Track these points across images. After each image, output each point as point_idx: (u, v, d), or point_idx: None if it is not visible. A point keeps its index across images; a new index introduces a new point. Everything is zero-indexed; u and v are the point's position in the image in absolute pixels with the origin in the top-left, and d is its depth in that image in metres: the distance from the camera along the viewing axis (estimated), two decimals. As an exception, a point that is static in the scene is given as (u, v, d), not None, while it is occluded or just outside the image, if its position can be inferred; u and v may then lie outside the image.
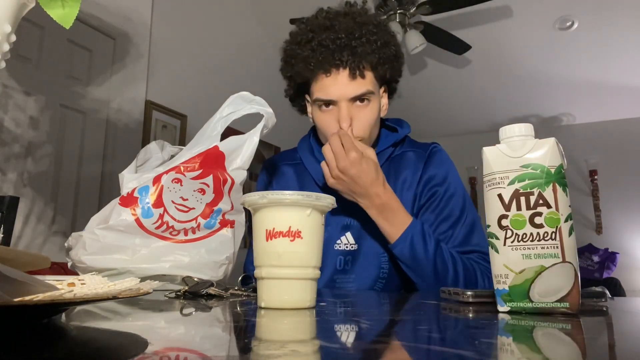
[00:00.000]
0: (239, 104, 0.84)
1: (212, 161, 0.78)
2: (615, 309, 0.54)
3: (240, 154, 0.80)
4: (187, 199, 0.76)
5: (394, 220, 0.86)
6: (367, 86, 0.91)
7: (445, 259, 0.86)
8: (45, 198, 2.01)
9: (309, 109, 1.00)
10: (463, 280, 0.86)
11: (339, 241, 0.95)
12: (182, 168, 0.77)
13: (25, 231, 1.89)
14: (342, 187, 0.87)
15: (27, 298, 0.30)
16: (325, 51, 0.89)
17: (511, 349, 0.31)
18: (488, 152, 0.51)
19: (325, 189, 0.95)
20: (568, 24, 3.36)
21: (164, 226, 0.75)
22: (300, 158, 1.07)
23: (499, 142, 0.51)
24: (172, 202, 0.76)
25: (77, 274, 0.70)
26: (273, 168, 1.10)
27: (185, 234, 0.77)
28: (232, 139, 0.80)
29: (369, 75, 0.92)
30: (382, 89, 0.98)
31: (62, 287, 0.37)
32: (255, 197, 0.51)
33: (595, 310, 0.51)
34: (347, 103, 0.91)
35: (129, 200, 0.75)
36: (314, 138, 1.07)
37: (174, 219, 0.75)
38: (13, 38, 0.50)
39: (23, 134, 1.93)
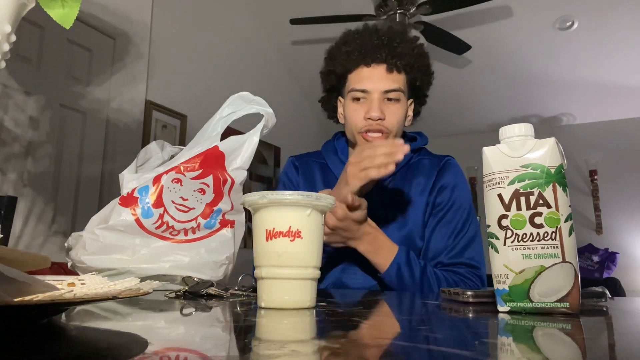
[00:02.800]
0: (239, 104, 0.84)
1: (212, 161, 0.78)
2: (615, 309, 0.54)
3: (240, 154, 0.80)
4: (187, 199, 0.76)
5: (382, 252, 0.90)
6: (399, 83, 1.00)
7: (431, 282, 0.91)
8: (45, 198, 2.01)
9: (340, 109, 1.09)
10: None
11: None
12: (182, 168, 0.77)
13: (25, 231, 1.89)
14: (335, 239, 0.88)
15: (27, 298, 0.30)
16: (367, 46, 1.00)
17: (511, 349, 0.31)
18: (488, 152, 0.51)
19: None
20: (568, 24, 3.36)
21: (164, 226, 0.75)
22: (325, 158, 1.13)
23: (499, 142, 0.51)
24: (172, 202, 0.76)
25: (77, 274, 0.70)
26: (300, 162, 1.15)
27: (185, 234, 0.76)
28: (232, 139, 0.80)
29: (403, 75, 1.01)
30: (409, 100, 1.06)
31: (62, 287, 0.37)
32: (255, 197, 0.51)
33: (595, 310, 0.51)
34: (379, 95, 0.99)
35: (129, 200, 0.75)
36: (338, 141, 1.14)
37: (174, 219, 0.75)
38: (13, 38, 0.50)
39: (23, 134, 1.92)
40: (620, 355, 0.29)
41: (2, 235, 0.89)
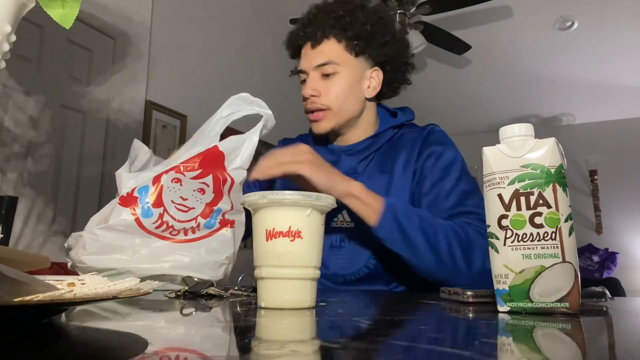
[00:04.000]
0: (239, 105, 0.84)
1: (212, 161, 0.78)
2: (615, 309, 0.54)
3: (240, 153, 0.80)
4: (186, 199, 0.76)
5: (372, 203, 0.82)
6: (330, 55, 0.96)
7: (437, 229, 0.82)
8: (45, 198, 2.01)
9: None
10: (457, 241, 0.82)
11: (335, 219, 0.96)
12: (181, 168, 0.77)
13: (25, 231, 1.89)
14: (320, 175, 0.80)
15: (27, 298, 0.30)
16: (299, 26, 1.00)
17: (511, 349, 0.31)
18: (488, 152, 0.51)
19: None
20: (568, 24, 3.36)
21: (164, 226, 0.75)
22: (311, 141, 1.11)
23: (499, 142, 0.51)
24: (172, 201, 0.76)
25: (77, 274, 0.70)
26: (287, 144, 1.14)
27: (185, 233, 0.76)
28: (231, 139, 0.80)
29: (334, 46, 0.97)
30: (371, 70, 1.01)
31: (62, 287, 0.37)
32: (255, 197, 0.51)
33: (595, 310, 0.51)
34: (313, 73, 0.97)
35: (129, 200, 0.75)
36: (310, 133, 1.11)
37: (174, 219, 0.75)
38: (13, 38, 0.50)
39: (23, 134, 1.92)
40: (620, 355, 0.29)
41: (2, 235, 0.89)
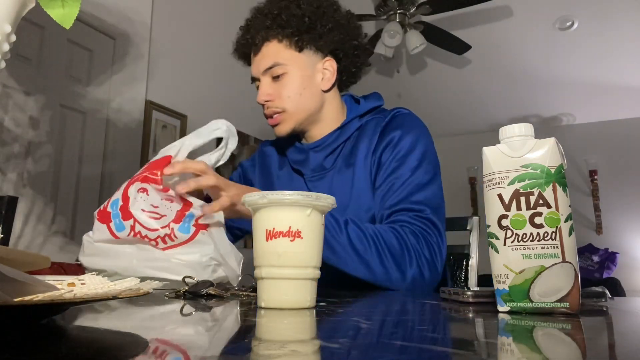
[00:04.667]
0: (203, 134, 0.83)
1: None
2: (615, 309, 0.54)
3: (199, 158, 0.81)
4: (157, 206, 0.75)
5: None
6: (274, 57, 0.95)
7: (365, 238, 0.78)
8: (45, 198, 2.01)
9: None
10: (389, 251, 0.79)
11: None
12: (146, 178, 0.76)
13: (25, 231, 1.89)
14: (226, 183, 0.77)
15: (27, 298, 0.30)
16: (241, 34, 1.01)
17: (511, 349, 0.31)
18: (488, 152, 0.51)
19: (298, 169, 1.02)
20: (568, 24, 3.36)
21: (138, 236, 0.74)
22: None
23: (499, 142, 0.51)
24: (143, 210, 0.74)
25: (77, 274, 0.70)
26: (262, 151, 1.15)
27: (164, 241, 0.75)
28: (185, 154, 0.81)
29: (276, 47, 0.95)
30: (323, 61, 0.99)
31: (62, 287, 0.37)
32: (255, 197, 0.51)
33: (595, 310, 0.51)
34: (264, 78, 0.97)
35: (104, 215, 0.75)
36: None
37: (147, 228, 0.74)
38: (13, 38, 0.50)
39: (23, 134, 1.92)
40: (620, 355, 0.29)
41: (2, 235, 0.89)
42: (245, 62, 1.04)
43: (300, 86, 0.95)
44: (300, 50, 0.96)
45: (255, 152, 1.18)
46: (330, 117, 1.01)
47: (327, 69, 0.99)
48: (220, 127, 0.84)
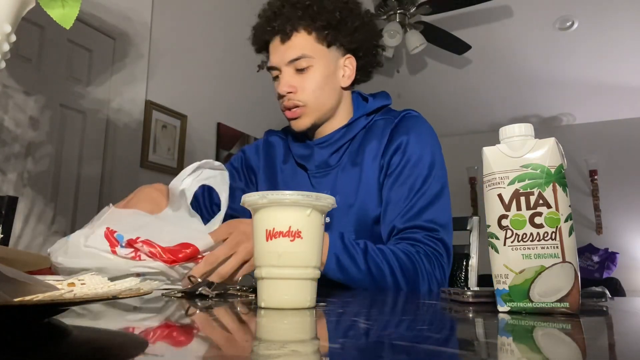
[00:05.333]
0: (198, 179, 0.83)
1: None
2: (615, 309, 0.54)
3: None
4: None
5: None
6: (301, 49, 0.92)
7: (381, 266, 0.79)
8: (45, 198, 2.01)
9: None
10: (402, 274, 0.81)
11: None
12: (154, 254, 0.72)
13: (25, 231, 1.89)
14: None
15: (27, 298, 0.30)
16: (264, 20, 0.96)
17: (511, 349, 0.31)
18: (488, 152, 0.51)
19: (302, 164, 1.01)
20: (568, 24, 3.36)
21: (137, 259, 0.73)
22: (287, 136, 1.10)
23: (499, 142, 0.51)
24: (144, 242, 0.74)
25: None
26: (267, 141, 1.13)
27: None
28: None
29: (305, 39, 0.93)
30: (344, 58, 0.98)
31: (62, 287, 0.37)
32: (255, 197, 0.51)
33: (595, 310, 0.51)
34: (287, 69, 0.94)
35: (110, 238, 0.74)
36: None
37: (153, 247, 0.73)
38: (13, 38, 0.50)
39: (23, 134, 1.92)
40: (620, 355, 0.29)
41: (2, 235, 0.89)
42: (260, 49, 1.01)
43: (323, 81, 0.94)
44: (328, 45, 0.95)
45: (260, 140, 1.15)
46: (342, 114, 1.00)
47: (347, 66, 0.99)
48: (214, 176, 0.84)
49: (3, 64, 0.50)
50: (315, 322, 0.42)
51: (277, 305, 0.50)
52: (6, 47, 0.49)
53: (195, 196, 0.87)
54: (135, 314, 0.46)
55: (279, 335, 0.35)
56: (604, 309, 0.53)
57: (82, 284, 0.40)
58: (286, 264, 0.50)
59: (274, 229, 0.50)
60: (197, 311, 0.49)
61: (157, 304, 0.53)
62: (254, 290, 0.63)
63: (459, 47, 3.27)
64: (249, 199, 0.52)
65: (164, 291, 0.66)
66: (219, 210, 0.86)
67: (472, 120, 4.79)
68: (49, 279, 0.43)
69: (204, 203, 1.10)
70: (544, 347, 0.32)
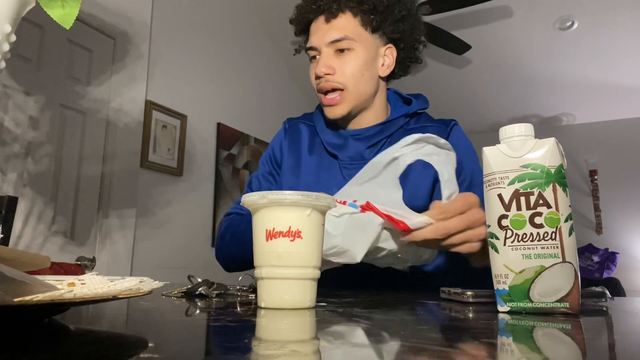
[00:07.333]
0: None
1: None
2: (615, 309, 0.54)
3: None
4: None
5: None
6: (345, 30, 0.90)
7: None
8: (45, 198, 2.01)
9: None
10: None
11: None
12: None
13: (25, 231, 1.89)
14: (483, 253, 0.65)
15: (27, 298, 0.30)
16: (310, 0, 0.93)
17: (511, 349, 0.31)
18: (488, 152, 0.51)
19: (334, 152, 0.96)
20: (568, 24, 3.36)
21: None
22: (315, 121, 1.05)
23: (499, 142, 0.51)
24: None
25: (77, 274, 0.70)
26: (291, 125, 1.08)
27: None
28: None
29: (349, 21, 0.91)
30: (385, 47, 0.96)
31: (62, 287, 0.37)
32: (255, 197, 0.51)
33: (595, 310, 0.51)
34: (327, 50, 0.91)
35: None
36: (319, 113, 1.05)
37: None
38: (13, 38, 0.50)
39: (23, 134, 1.92)
40: (620, 355, 0.29)
41: (2, 235, 0.89)
42: (300, 30, 0.99)
43: (363, 67, 0.92)
44: (372, 31, 0.93)
45: (281, 128, 1.10)
46: (378, 107, 0.98)
47: (387, 56, 0.96)
48: (438, 154, 0.75)
49: (3, 64, 0.50)
50: (315, 322, 0.42)
51: (277, 305, 0.50)
52: (6, 47, 0.49)
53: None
54: (136, 314, 0.46)
55: (279, 335, 0.35)
56: (604, 309, 0.53)
57: (82, 284, 0.40)
58: (286, 264, 0.50)
59: (274, 229, 0.50)
60: (197, 311, 0.49)
61: (157, 304, 0.53)
62: (254, 290, 0.63)
63: (459, 47, 3.27)
64: (249, 198, 0.52)
65: (164, 291, 0.66)
66: None
67: (472, 120, 4.78)
68: (49, 279, 0.43)
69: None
70: (544, 347, 0.32)
